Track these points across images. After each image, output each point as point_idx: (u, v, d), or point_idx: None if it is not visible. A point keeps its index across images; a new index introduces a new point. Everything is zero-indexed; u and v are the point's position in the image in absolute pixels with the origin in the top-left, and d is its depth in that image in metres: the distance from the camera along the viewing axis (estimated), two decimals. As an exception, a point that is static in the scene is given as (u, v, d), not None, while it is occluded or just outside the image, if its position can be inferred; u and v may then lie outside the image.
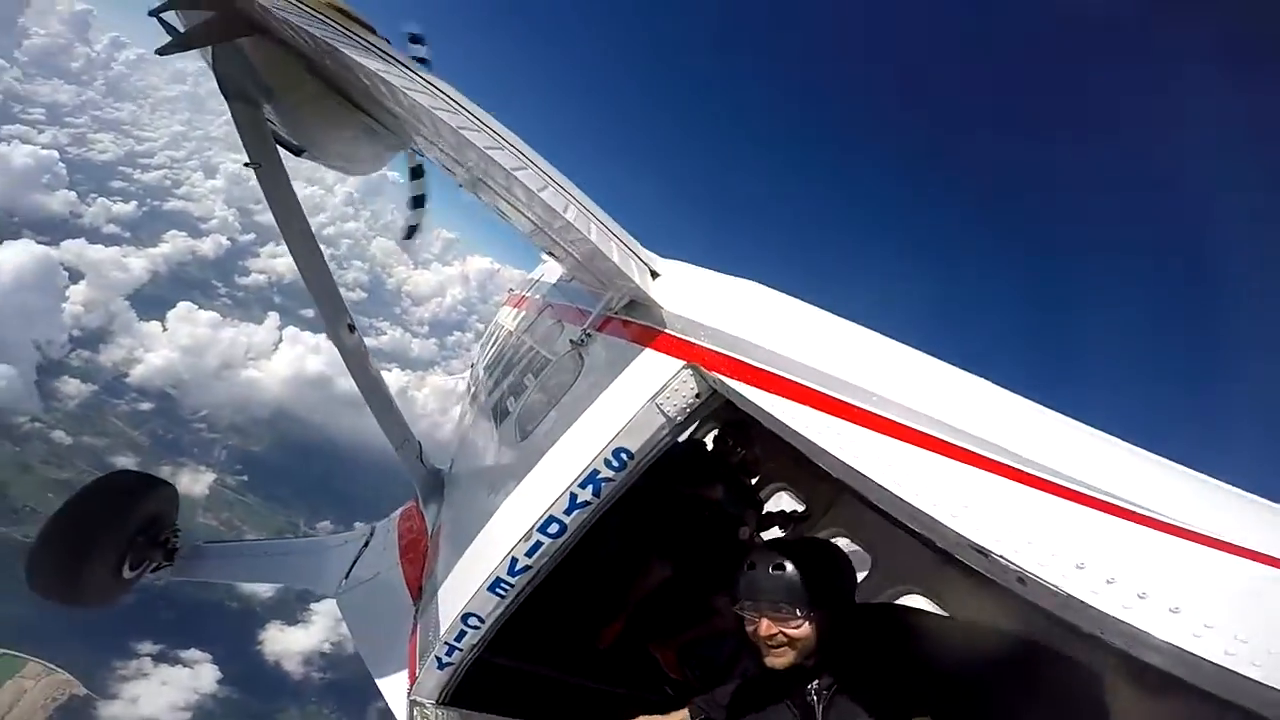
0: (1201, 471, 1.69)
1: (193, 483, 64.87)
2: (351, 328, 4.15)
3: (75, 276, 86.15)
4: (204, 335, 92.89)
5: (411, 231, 6.09)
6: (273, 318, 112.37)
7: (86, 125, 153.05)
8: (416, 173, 5.60)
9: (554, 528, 2.77)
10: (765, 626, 2.10)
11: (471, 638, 2.98)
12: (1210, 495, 1.57)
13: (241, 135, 3.34)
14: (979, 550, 1.44)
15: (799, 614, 2.05)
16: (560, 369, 3.79)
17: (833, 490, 5.23)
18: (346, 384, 4.34)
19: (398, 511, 5.12)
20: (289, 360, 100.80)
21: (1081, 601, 1.25)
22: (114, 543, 4.43)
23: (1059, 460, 1.57)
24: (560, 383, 3.57)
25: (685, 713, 2.63)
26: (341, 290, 4.24)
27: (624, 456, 2.66)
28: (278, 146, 3.63)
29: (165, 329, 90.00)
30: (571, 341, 3.52)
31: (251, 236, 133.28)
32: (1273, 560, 1.22)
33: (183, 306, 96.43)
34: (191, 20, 2.81)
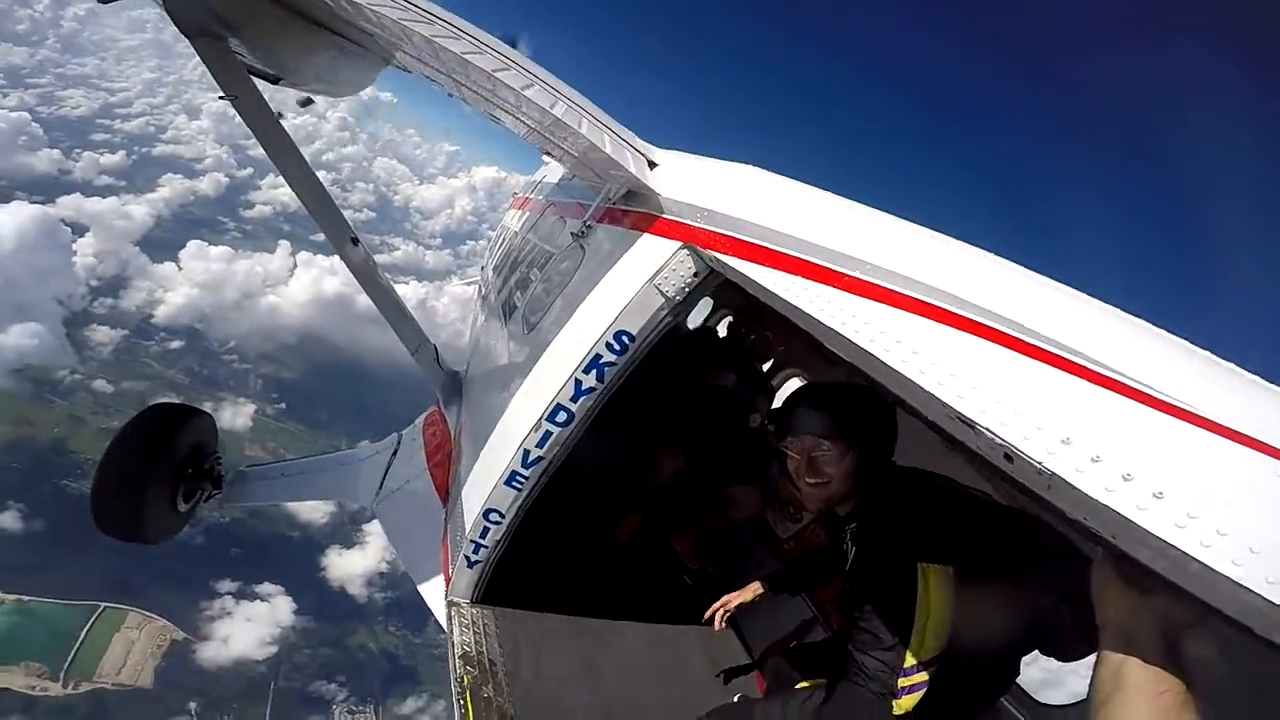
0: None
1: (235, 416, 67.78)
2: (355, 241, 4.22)
3: (79, 230, 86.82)
4: (219, 270, 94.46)
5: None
6: (284, 245, 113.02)
7: (51, 84, 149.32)
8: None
9: (562, 416, 2.89)
10: (806, 459, 2.18)
11: (495, 533, 3.16)
12: (1217, 376, 1.42)
13: (211, 72, 3.30)
14: (965, 422, 1.38)
15: (838, 447, 2.13)
16: (563, 261, 3.85)
17: (844, 375, 5.28)
18: (365, 300, 4.45)
19: (421, 417, 5.32)
20: (306, 284, 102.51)
21: (1064, 480, 1.18)
22: (164, 477, 4.67)
23: (1053, 328, 1.48)
24: (563, 274, 3.66)
25: (758, 585, 2.87)
26: (348, 212, 4.29)
27: (625, 339, 2.75)
28: (252, 77, 3.60)
29: (180, 268, 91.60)
30: (573, 234, 3.57)
31: (249, 171, 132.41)
32: (1272, 450, 1.11)
33: (193, 245, 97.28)
34: None
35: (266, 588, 52.09)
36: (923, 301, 1.70)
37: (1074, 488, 1.16)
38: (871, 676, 1.87)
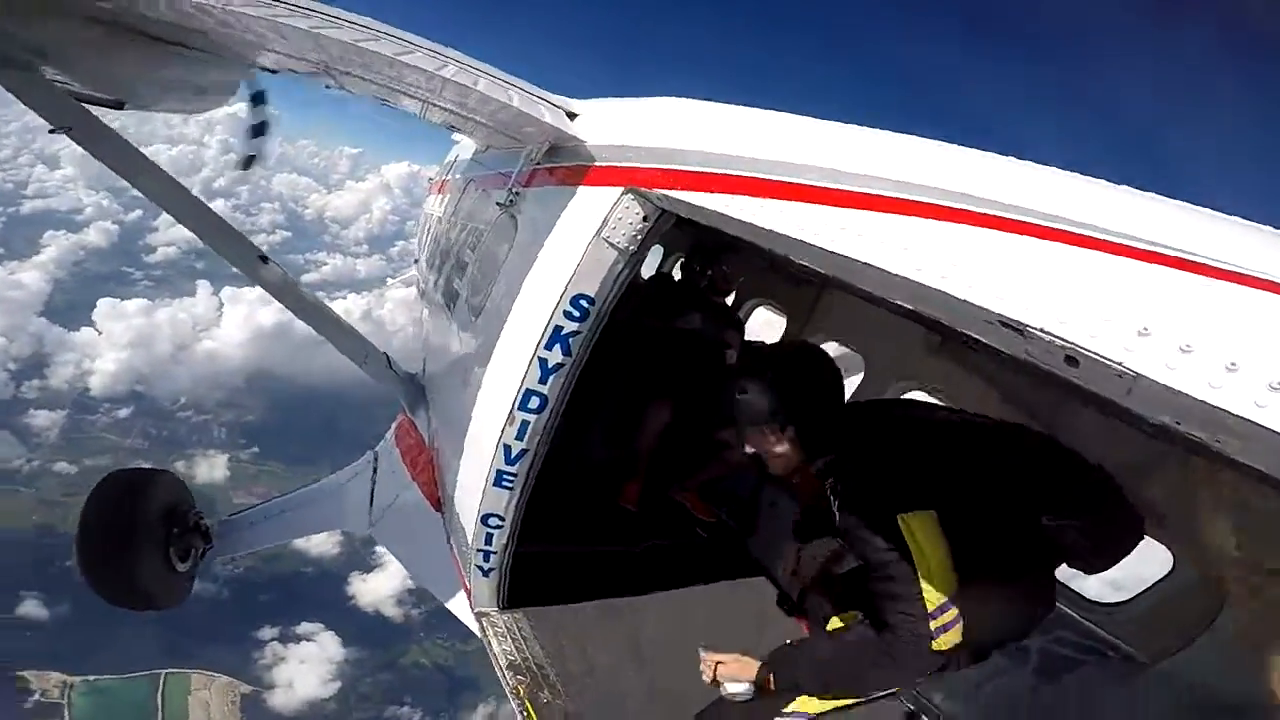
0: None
1: (211, 469, 65.63)
2: (264, 259, 3.91)
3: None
4: (142, 325, 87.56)
5: (249, 162, 5.65)
6: (204, 285, 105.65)
7: None
8: (258, 99, 5.10)
9: (534, 402, 2.71)
10: (746, 447, 2.37)
11: (500, 537, 3.01)
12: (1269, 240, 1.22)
13: (28, 105, 2.93)
14: (1013, 327, 1.19)
15: (771, 428, 2.24)
16: (495, 235, 3.65)
17: (812, 294, 5.23)
18: (303, 325, 4.17)
19: (391, 429, 5.14)
20: (239, 321, 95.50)
21: (1152, 380, 1.01)
22: (148, 545, 4.41)
23: (1075, 210, 1.26)
24: (499, 249, 3.45)
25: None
26: (260, 235, 3.97)
27: (584, 304, 2.57)
28: (90, 106, 3.23)
29: (99, 332, 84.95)
30: (499, 205, 3.35)
31: (139, 213, 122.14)
32: None
33: (104, 304, 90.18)
34: None
35: (306, 627, 52.17)
36: (915, 201, 1.50)
37: (1166, 387, 0.99)
38: (898, 628, 1.94)
